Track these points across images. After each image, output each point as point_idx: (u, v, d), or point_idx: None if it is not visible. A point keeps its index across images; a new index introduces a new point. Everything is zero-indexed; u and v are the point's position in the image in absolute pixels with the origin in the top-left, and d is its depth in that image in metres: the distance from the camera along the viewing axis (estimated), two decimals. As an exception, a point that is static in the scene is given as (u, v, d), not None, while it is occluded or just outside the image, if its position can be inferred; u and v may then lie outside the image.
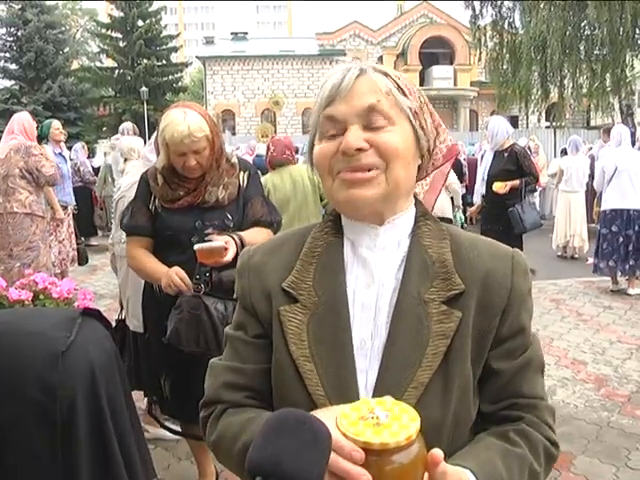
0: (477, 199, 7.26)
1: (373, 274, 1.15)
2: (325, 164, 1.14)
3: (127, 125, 8.86)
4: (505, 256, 1.19)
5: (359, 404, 0.92)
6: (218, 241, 2.64)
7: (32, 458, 1.77)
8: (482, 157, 7.44)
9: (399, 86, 1.15)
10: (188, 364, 2.75)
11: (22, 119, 6.25)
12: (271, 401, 1.17)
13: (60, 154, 8.34)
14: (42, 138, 7.66)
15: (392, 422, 0.87)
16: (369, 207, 1.14)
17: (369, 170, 1.11)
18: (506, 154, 6.65)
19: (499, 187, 6.57)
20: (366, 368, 1.11)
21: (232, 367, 1.20)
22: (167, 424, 3.25)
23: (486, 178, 6.81)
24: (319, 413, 0.95)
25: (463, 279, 1.13)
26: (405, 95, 1.15)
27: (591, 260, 9.65)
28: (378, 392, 1.07)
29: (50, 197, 6.89)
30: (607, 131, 10.79)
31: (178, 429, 3.19)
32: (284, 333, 1.14)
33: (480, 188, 7.05)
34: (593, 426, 4.18)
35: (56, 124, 8.30)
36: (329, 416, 0.92)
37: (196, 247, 2.64)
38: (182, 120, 2.67)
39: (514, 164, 6.60)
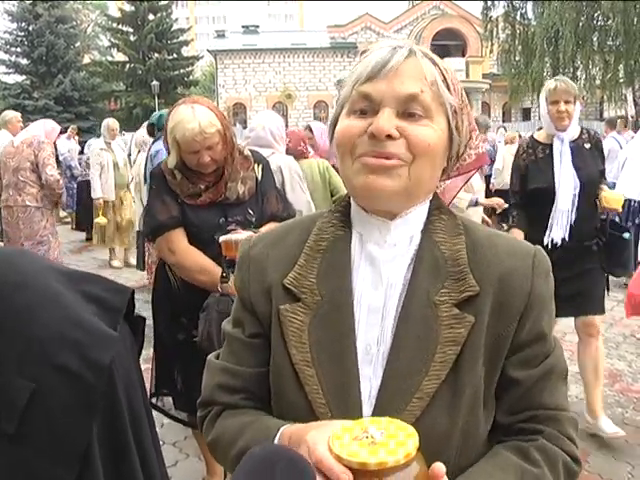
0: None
1: (381, 274, 1.06)
2: (348, 143, 1.05)
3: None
4: (526, 254, 1.09)
5: (351, 425, 0.87)
6: (243, 234, 2.58)
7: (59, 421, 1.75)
8: (549, 154, 3.74)
9: (445, 79, 1.07)
10: (201, 357, 2.70)
11: (47, 121, 6.56)
12: (268, 401, 1.11)
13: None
14: None
15: (388, 440, 0.82)
16: (385, 199, 1.04)
17: (392, 158, 1.02)
18: (588, 145, 3.81)
19: (619, 201, 3.82)
20: (370, 375, 1.03)
21: (227, 368, 1.14)
22: (174, 414, 3.21)
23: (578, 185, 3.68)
24: (312, 433, 0.91)
25: (478, 280, 1.04)
26: (449, 90, 1.07)
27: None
28: (381, 401, 1.01)
29: None
30: (609, 122, 10.70)
31: (185, 419, 3.16)
32: (284, 335, 1.06)
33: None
34: (607, 423, 4.11)
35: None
36: (321, 437, 0.88)
37: (221, 239, 2.60)
38: (192, 117, 2.57)
39: (603, 160, 3.97)
